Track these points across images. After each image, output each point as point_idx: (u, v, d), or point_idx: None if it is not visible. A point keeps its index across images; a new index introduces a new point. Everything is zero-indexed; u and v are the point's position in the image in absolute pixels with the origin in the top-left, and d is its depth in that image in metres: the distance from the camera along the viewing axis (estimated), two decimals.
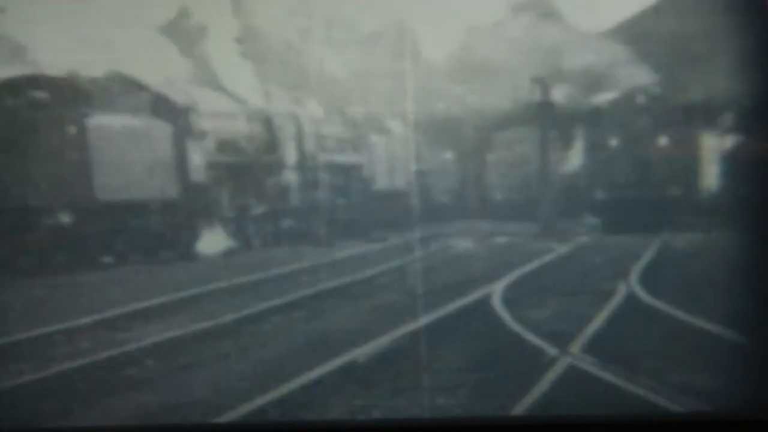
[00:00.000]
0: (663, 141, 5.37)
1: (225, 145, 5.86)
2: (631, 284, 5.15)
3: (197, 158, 5.74)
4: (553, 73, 5.17)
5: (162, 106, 5.78)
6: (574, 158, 5.43)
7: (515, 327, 4.90)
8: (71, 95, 5.38)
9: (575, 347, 4.69)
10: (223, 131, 5.82)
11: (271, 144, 5.98)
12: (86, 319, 5.06)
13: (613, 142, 5.47)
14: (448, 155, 6.08)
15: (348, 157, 6.14)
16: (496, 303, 5.15)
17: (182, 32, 5.62)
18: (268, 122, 5.99)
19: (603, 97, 5.36)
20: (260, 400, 4.35)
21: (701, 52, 4.85)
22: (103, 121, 5.51)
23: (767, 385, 4.15)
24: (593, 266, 5.34)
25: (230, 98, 5.89)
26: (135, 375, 4.68)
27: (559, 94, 5.31)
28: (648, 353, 4.56)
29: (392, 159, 6.15)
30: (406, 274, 5.33)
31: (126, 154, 5.51)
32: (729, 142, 5.20)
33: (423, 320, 4.97)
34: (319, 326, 5.10)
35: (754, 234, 4.50)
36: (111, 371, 4.70)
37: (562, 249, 5.47)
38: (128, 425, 4.61)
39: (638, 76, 5.17)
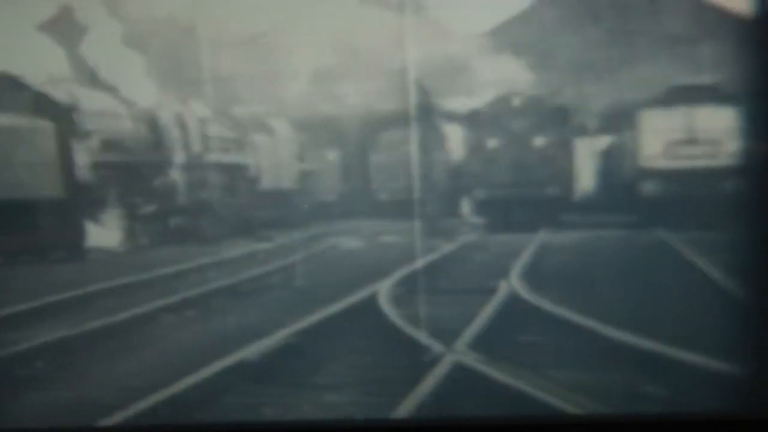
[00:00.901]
0: (540, 142, 5.66)
1: (111, 145, 5.83)
2: (513, 282, 5.30)
3: (83, 157, 5.71)
4: (432, 75, 5.37)
5: (45, 106, 5.74)
6: (456, 159, 5.65)
7: (402, 324, 4.98)
8: None
9: (460, 344, 4.85)
10: (108, 131, 5.81)
11: (157, 144, 6.00)
12: None
13: (492, 143, 5.71)
14: (332, 155, 6.22)
15: (234, 157, 6.21)
16: (383, 301, 5.25)
17: (65, 31, 5.59)
18: (153, 122, 6.01)
19: (481, 99, 5.56)
20: (152, 399, 4.37)
21: (575, 58, 5.14)
22: None
23: (767, 384, 4.08)
24: (477, 264, 5.49)
25: (115, 98, 5.89)
26: (26, 375, 4.64)
27: (439, 96, 5.51)
28: (532, 349, 4.80)
29: (278, 159, 6.26)
30: (294, 273, 5.43)
31: (10, 153, 5.45)
32: (602, 143, 5.56)
33: (312, 318, 5.05)
34: (209, 325, 5.12)
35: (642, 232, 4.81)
36: (1, 371, 4.64)
37: (447, 248, 5.61)
38: (128, 425, 4.57)
39: (515, 79, 5.41)
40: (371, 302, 5.30)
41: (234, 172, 6.18)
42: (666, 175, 5.31)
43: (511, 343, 4.81)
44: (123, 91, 5.88)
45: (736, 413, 3.97)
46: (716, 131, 5.22)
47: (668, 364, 4.36)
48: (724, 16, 4.88)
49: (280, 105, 5.98)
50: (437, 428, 4.07)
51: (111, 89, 5.87)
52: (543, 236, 5.43)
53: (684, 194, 5.22)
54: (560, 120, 5.51)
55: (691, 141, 5.30)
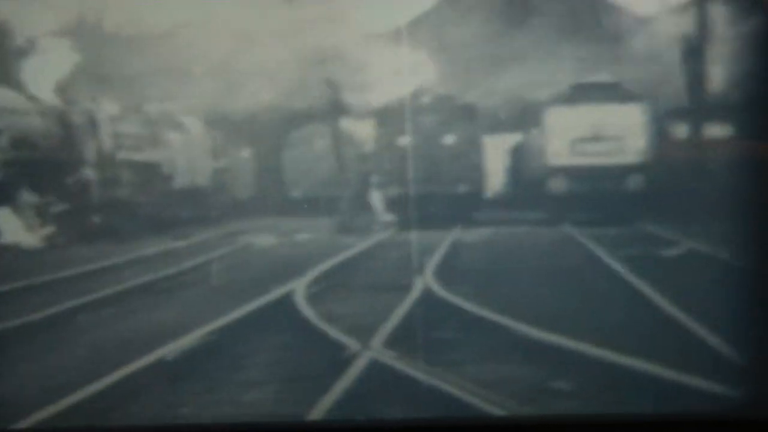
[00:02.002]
0: (450, 139, 5.79)
1: (19, 142, 5.80)
2: (427, 278, 5.36)
3: None
4: (342, 72, 5.45)
5: None
6: (369, 156, 5.74)
7: (318, 322, 4.98)
8: None
9: (376, 341, 4.86)
10: (17, 128, 5.76)
11: (68, 141, 5.96)
12: None
13: (403, 140, 5.80)
14: (247, 152, 6.26)
15: (147, 155, 6.21)
16: (299, 299, 5.26)
17: None
18: (63, 119, 5.98)
19: (390, 96, 5.62)
20: (68, 400, 4.37)
21: (481, 55, 5.28)
22: None
23: (767, 385, 4.09)
24: (392, 261, 5.54)
25: (24, 95, 5.84)
26: None
27: (349, 93, 5.58)
28: (446, 346, 4.93)
29: (191, 156, 6.28)
30: (210, 271, 5.47)
31: None
32: (511, 140, 5.73)
33: (229, 317, 5.06)
34: (126, 324, 5.06)
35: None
36: None
37: (362, 245, 5.65)
38: (128, 425, 4.56)
39: (424, 76, 5.49)
40: (287, 300, 5.30)
41: (147, 169, 6.16)
42: (572, 172, 5.46)
43: (426, 340, 4.91)
44: (32, 88, 5.83)
45: (736, 413, 4.01)
46: (619, 128, 5.40)
47: (576, 359, 4.52)
48: (625, 15, 5.08)
49: (191, 102, 5.99)
50: (437, 428, 4.09)
51: (19, 86, 5.81)
52: (456, 233, 5.53)
53: (590, 190, 5.39)
54: (469, 117, 5.62)
55: (596, 138, 5.46)
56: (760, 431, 3.79)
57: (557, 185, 5.50)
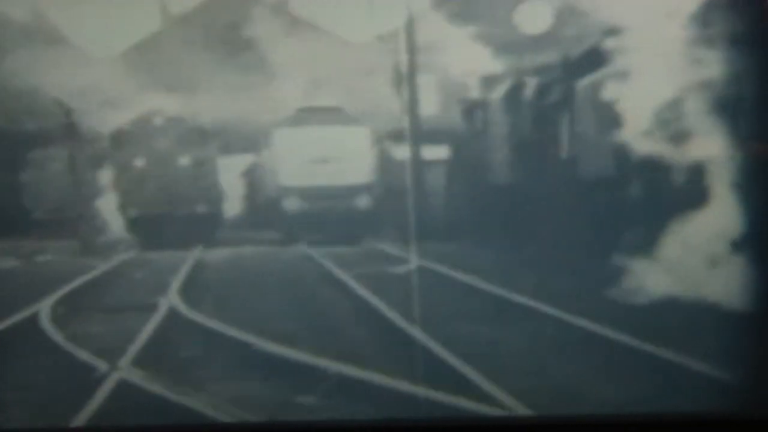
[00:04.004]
0: (185, 161, 5.80)
1: None
2: (172, 298, 5.36)
3: None
4: (73, 95, 5.32)
5: None
6: (106, 178, 5.66)
7: (66, 345, 4.93)
8: None
9: (125, 361, 4.82)
10: None
11: None
12: None
13: (140, 162, 5.77)
14: None
15: None
16: (45, 321, 5.14)
17: None
18: None
19: (122, 119, 5.57)
20: None
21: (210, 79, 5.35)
22: None
23: (767, 385, 4.16)
24: (136, 281, 5.50)
25: None
26: None
27: (82, 117, 5.44)
28: (193, 364, 5.06)
29: None
30: None
31: None
32: (245, 162, 5.82)
33: None
34: None
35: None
36: None
37: (105, 266, 5.55)
38: (128, 425, 4.23)
39: (155, 99, 5.47)
40: (32, 323, 5.17)
41: None
42: (304, 192, 5.61)
43: (174, 359, 4.98)
44: None
45: (736, 413, 4.07)
46: (345, 150, 5.62)
47: (319, 374, 4.76)
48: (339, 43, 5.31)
49: None
50: (437, 428, 4.24)
51: None
52: (198, 253, 5.59)
53: (322, 210, 5.59)
54: (201, 139, 5.65)
55: (324, 159, 5.64)
56: (760, 431, 3.93)
57: (291, 205, 5.64)
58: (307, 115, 5.47)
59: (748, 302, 4.28)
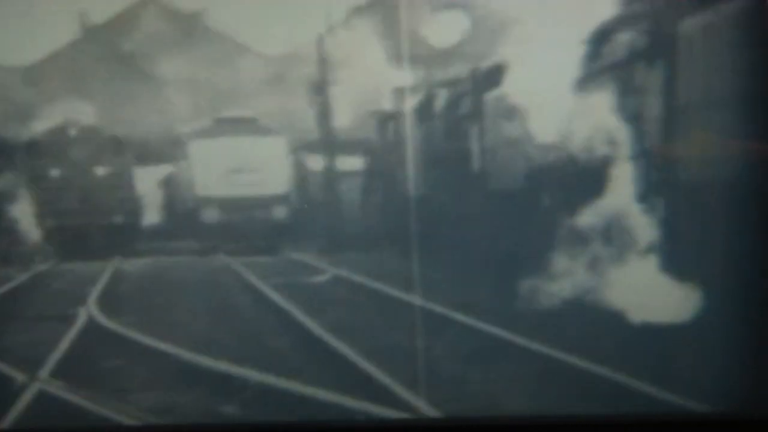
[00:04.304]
0: (101, 171, 5.77)
1: None
2: (91, 308, 5.38)
3: None
4: None
5: None
6: (21, 188, 5.58)
7: None
8: None
9: (44, 373, 4.85)
10: None
11: None
12: None
13: (55, 172, 5.70)
14: None
15: None
16: None
17: None
18: None
19: (35, 129, 5.50)
20: None
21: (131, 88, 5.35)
22: None
23: (767, 385, 4.13)
24: (54, 292, 5.47)
25: None
26: None
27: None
28: (113, 374, 5.02)
29: None
30: None
31: None
32: (162, 172, 5.82)
33: None
34: None
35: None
36: None
37: (22, 276, 5.50)
38: (128, 425, 4.21)
39: (69, 109, 5.43)
40: None
41: None
42: (222, 203, 5.64)
43: (94, 369, 5.00)
44: None
45: (736, 413, 4.06)
46: (261, 160, 5.66)
47: (241, 384, 4.83)
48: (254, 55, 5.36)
49: None
50: (437, 428, 4.27)
51: None
52: (118, 263, 5.58)
53: (240, 220, 5.63)
54: (117, 150, 5.63)
55: (240, 170, 5.67)
56: (760, 431, 3.91)
57: (208, 216, 5.66)
58: (223, 126, 5.49)
59: (742, 304, 4.31)
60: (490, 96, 5.00)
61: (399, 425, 4.42)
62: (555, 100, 4.72)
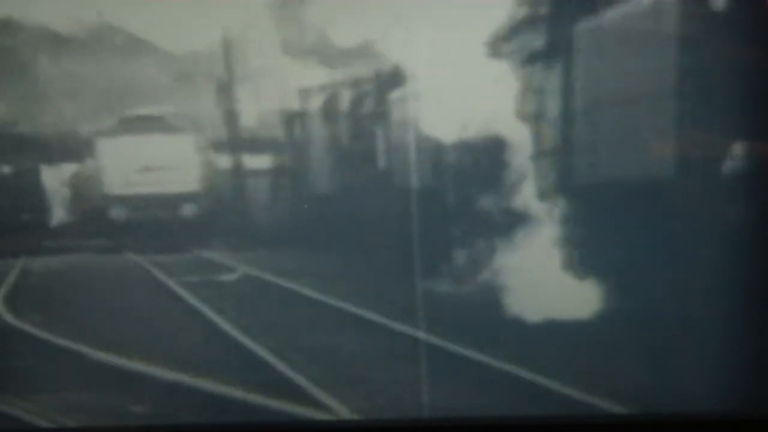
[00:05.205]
0: (6, 170, 5.63)
1: None
2: None
3: None
4: None
5: None
6: None
7: None
8: None
9: None
10: None
11: None
12: None
13: None
14: None
15: None
16: None
17: None
18: None
19: None
20: None
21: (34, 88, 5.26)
22: None
23: (767, 385, 4.08)
24: None
25: None
26: None
27: None
28: (22, 374, 4.95)
29: None
30: None
31: None
32: (70, 170, 5.72)
33: None
34: None
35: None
36: None
37: None
38: (128, 425, 4.15)
39: None
40: None
41: None
42: (131, 201, 5.58)
43: (1, 369, 4.96)
44: None
45: (736, 413, 4.01)
46: (170, 159, 5.63)
47: (150, 382, 4.83)
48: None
49: None
50: (437, 428, 4.22)
51: None
52: (23, 262, 5.49)
53: (149, 218, 5.59)
54: (21, 148, 5.52)
55: (149, 168, 5.62)
56: (760, 431, 3.86)
57: (117, 214, 5.60)
58: (130, 124, 5.44)
59: (740, 303, 4.28)
60: (394, 96, 5.06)
61: (399, 425, 4.42)
62: (457, 101, 4.77)
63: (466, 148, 4.82)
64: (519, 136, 4.79)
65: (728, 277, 4.28)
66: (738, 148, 4.40)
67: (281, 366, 4.84)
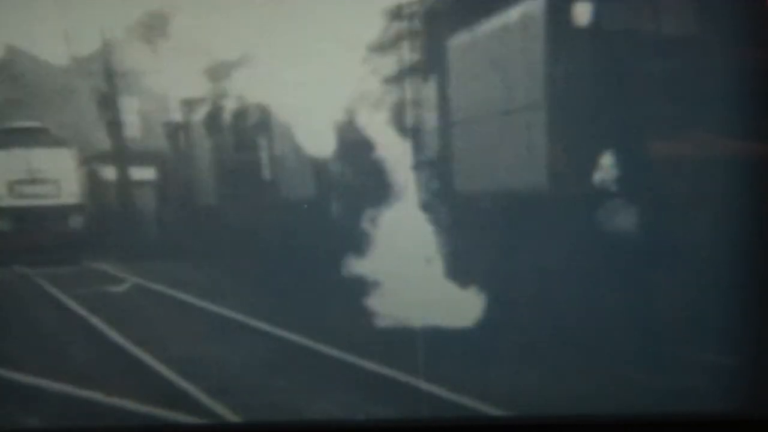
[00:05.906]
0: None
1: None
2: None
3: None
4: None
5: None
6: None
7: None
8: None
9: None
10: None
11: None
12: None
13: None
14: None
15: None
16: None
17: None
18: None
19: None
20: None
21: None
22: None
23: (767, 385, 4.02)
24: None
25: None
26: None
27: None
28: None
29: None
30: None
31: None
32: None
33: None
34: None
35: None
36: None
37: None
38: (128, 425, 4.10)
39: None
40: None
41: None
42: (15, 213, 5.52)
43: None
44: None
45: (736, 413, 3.94)
46: (53, 171, 5.59)
47: (43, 395, 4.82)
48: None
49: None
50: (437, 428, 4.08)
51: None
52: None
53: (36, 231, 5.54)
54: None
55: (33, 181, 5.57)
56: (760, 431, 3.80)
57: (3, 226, 5.54)
58: (12, 136, 5.38)
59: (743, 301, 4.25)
60: (275, 107, 5.15)
61: (399, 425, 4.28)
62: (336, 111, 4.89)
63: (346, 159, 4.95)
64: (402, 149, 4.88)
65: (728, 277, 4.25)
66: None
67: (172, 375, 4.91)
